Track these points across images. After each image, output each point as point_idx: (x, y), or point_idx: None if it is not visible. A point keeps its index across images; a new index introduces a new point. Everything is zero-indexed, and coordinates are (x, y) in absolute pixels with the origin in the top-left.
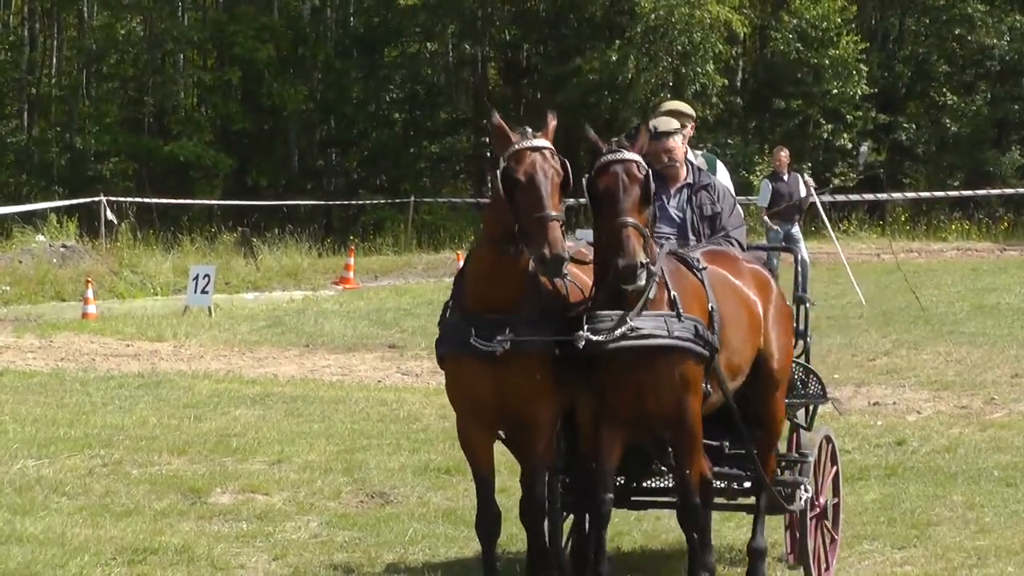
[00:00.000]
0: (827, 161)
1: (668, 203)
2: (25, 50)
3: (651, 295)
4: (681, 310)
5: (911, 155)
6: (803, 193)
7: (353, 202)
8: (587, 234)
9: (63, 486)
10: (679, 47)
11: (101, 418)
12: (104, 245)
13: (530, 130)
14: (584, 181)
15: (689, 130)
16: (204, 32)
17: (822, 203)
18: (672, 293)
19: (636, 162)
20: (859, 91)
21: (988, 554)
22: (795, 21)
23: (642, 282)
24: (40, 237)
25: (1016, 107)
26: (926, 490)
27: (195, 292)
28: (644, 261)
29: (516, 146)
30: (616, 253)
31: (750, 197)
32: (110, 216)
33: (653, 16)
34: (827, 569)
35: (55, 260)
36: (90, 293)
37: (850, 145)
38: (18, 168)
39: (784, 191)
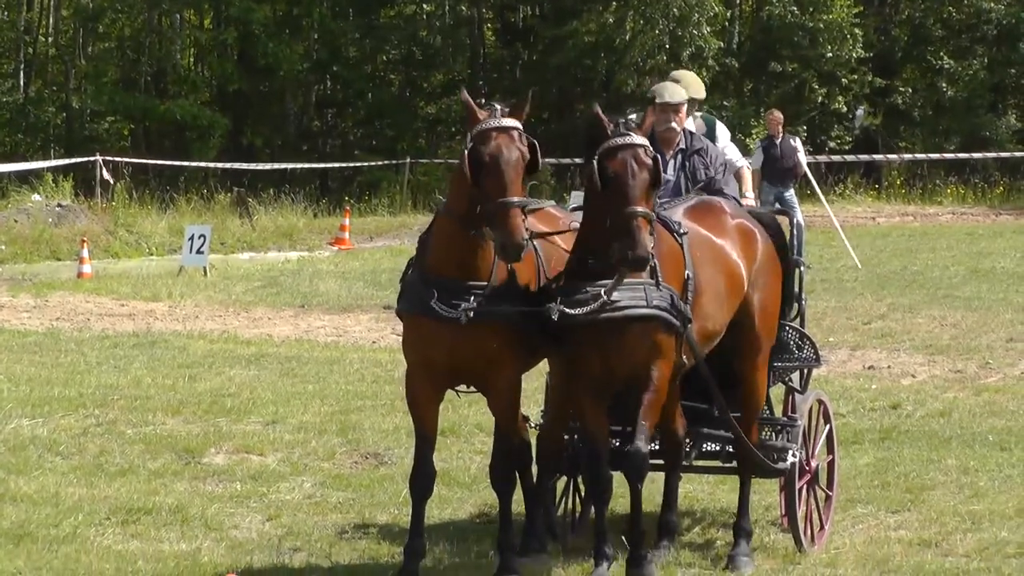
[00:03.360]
0: (823, 124)
1: (666, 170)
2: (22, 9)
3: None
4: (660, 278)
5: (907, 119)
6: (799, 157)
7: (349, 164)
8: (580, 196)
9: (57, 445)
10: (675, 9)
11: (96, 378)
12: (100, 205)
13: (499, 108)
14: (595, 163)
15: (683, 113)
16: None
17: (814, 166)
18: (653, 260)
19: (644, 147)
20: (855, 55)
21: (982, 518)
22: None
23: (646, 269)
24: (36, 196)
25: (1013, 71)
26: (920, 454)
27: (190, 252)
28: (652, 251)
29: (483, 125)
30: (625, 244)
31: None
32: (106, 176)
33: None
34: (822, 528)
35: (51, 219)
36: (85, 253)
37: (845, 109)
38: (14, 127)
39: (777, 155)
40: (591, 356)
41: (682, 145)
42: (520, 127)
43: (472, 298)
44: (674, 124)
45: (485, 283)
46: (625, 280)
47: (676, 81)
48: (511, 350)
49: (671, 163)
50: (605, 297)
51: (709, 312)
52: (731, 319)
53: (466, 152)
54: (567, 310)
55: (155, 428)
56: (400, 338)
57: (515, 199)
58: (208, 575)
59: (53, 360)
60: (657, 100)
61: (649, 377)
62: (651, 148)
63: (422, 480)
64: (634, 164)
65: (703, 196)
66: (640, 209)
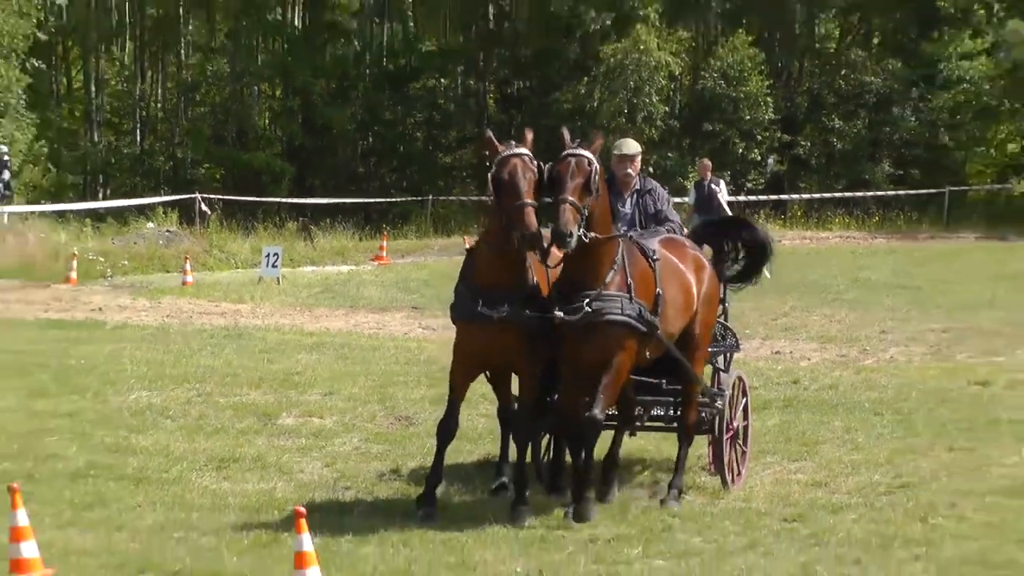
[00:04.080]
0: (742, 170)
1: (624, 203)
2: (137, 82)
3: (608, 279)
4: (633, 294)
5: (806, 166)
6: (723, 194)
7: (385, 199)
8: None
9: (167, 411)
10: (632, 83)
11: (196, 360)
12: (198, 230)
13: (514, 142)
14: (547, 168)
15: (637, 163)
16: (273, 69)
17: (734, 202)
18: (629, 279)
19: (588, 158)
20: (767, 117)
21: (860, 465)
22: (718, 64)
23: (572, 247)
24: (150, 224)
25: (887, 129)
26: (814, 417)
27: (267, 266)
28: (574, 231)
29: (502, 154)
30: (554, 221)
31: (684, 198)
32: (203, 208)
33: (612, 60)
34: (739, 474)
35: (161, 242)
36: (188, 267)
37: (760, 158)
38: (133, 172)
39: (705, 194)
40: (578, 346)
41: (637, 187)
42: (529, 152)
43: (505, 304)
44: (630, 170)
45: (514, 292)
46: (606, 295)
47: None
48: (529, 342)
49: (628, 200)
50: (587, 309)
51: (672, 319)
52: (683, 325)
53: (490, 176)
54: (564, 316)
55: (241, 398)
56: (425, 331)
57: (528, 201)
58: (280, 508)
59: (164, 347)
60: (616, 152)
61: (611, 364)
62: (595, 160)
63: (447, 429)
64: (575, 167)
65: (673, 233)
66: (570, 198)
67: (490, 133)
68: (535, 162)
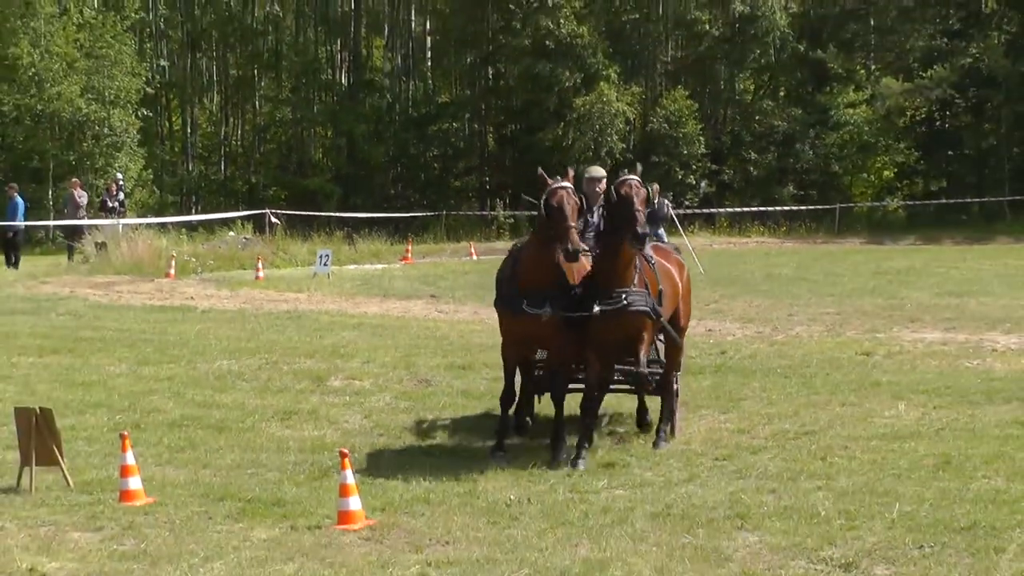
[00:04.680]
0: (681, 191)
1: (593, 215)
2: (222, 125)
3: (635, 280)
4: (648, 292)
5: (730, 188)
6: (667, 210)
7: (410, 214)
8: None
9: (243, 375)
10: (597, 126)
11: (266, 336)
12: (268, 237)
13: (560, 177)
14: (542, 199)
15: (603, 184)
16: (325, 116)
17: (675, 216)
18: (645, 280)
19: (571, 188)
20: (699, 151)
21: (774, 417)
22: (663, 111)
23: (581, 260)
24: (231, 233)
25: (791, 160)
26: (738, 379)
27: (320, 265)
28: (583, 248)
29: (552, 186)
30: (565, 243)
31: None
32: (272, 220)
33: (582, 109)
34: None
35: (239, 246)
36: (260, 265)
37: (694, 182)
38: (218, 193)
39: (659, 208)
40: (610, 333)
41: (602, 202)
42: (571, 186)
43: (546, 303)
44: (598, 189)
45: (554, 291)
46: (633, 291)
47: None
48: (563, 329)
49: (596, 212)
50: (624, 301)
51: (667, 308)
52: (672, 311)
53: (542, 202)
54: (604, 308)
55: (299, 365)
56: (440, 314)
57: (572, 223)
58: (329, 449)
59: (240, 326)
60: (587, 176)
61: (642, 339)
62: (573, 189)
63: (508, 396)
64: (569, 196)
65: (661, 242)
66: (573, 224)
67: (541, 170)
68: (576, 194)
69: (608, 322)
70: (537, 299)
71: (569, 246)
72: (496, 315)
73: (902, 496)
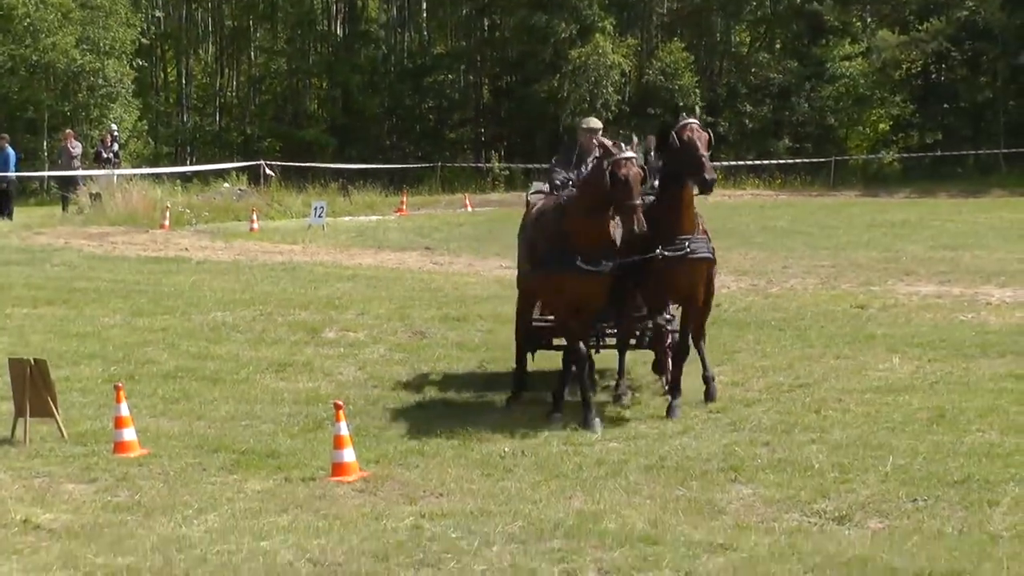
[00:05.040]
0: None
1: (587, 166)
2: (217, 76)
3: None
4: (708, 238)
5: (726, 141)
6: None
7: (406, 165)
8: (540, 185)
9: (238, 327)
10: (592, 78)
11: (260, 288)
12: (262, 189)
13: (623, 144)
14: (607, 167)
15: (600, 134)
16: (321, 67)
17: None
18: (705, 228)
19: (636, 159)
20: (696, 103)
21: (768, 369)
22: (658, 64)
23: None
24: (226, 185)
25: (787, 113)
26: (732, 332)
27: (315, 216)
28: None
29: (619, 155)
30: (631, 222)
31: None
32: (267, 172)
33: (578, 60)
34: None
35: (234, 197)
36: (254, 217)
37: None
38: (214, 145)
39: (653, 164)
40: (670, 278)
41: (597, 153)
42: (635, 156)
43: (602, 261)
44: (594, 140)
45: (607, 250)
46: (696, 238)
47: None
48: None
49: (591, 163)
50: (688, 248)
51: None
52: None
53: (607, 171)
54: (667, 253)
55: (294, 316)
56: (435, 266)
57: (638, 201)
58: (323, 401)
59: (235, 278)
60: (583, 126)
61: (709, 287)
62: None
63: (578, 358)
64: (634, 170)
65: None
66: (639, 202)
67: (602, 137)
68: (639, 166)
69: (672, 268)
70: (592, 257)
71: (635, 227)
72: (517, 274)
73: (896, 449)
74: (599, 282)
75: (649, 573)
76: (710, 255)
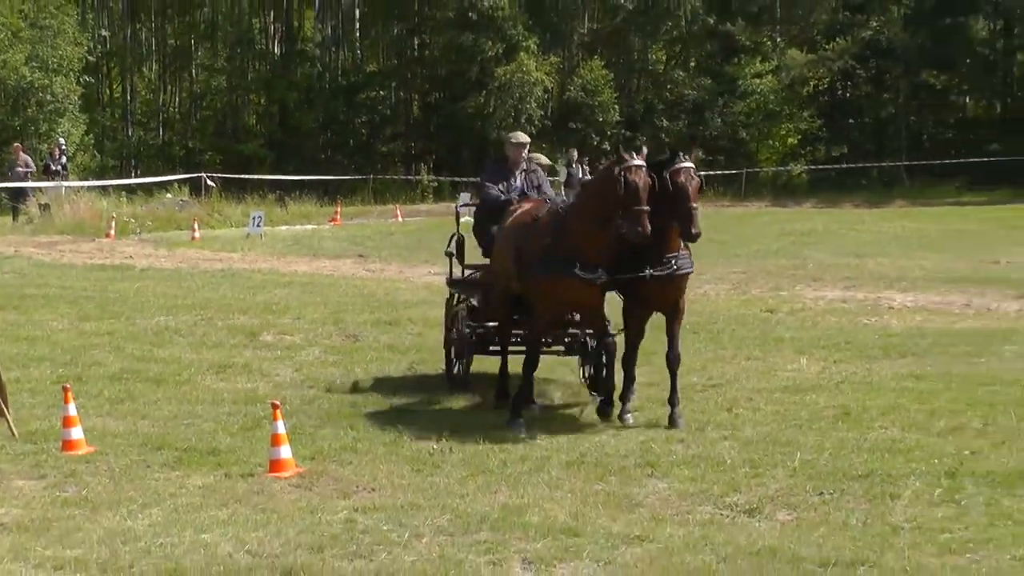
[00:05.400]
0: (596, 157)
1: (515, 179)
2: (160, 93)
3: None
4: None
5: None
6: (581, 174)
7: (340, 177)
8: (467, 197)
9: (180, 331)
10: (517, 94)
11: (201, 294)
12: (203, 200)
13: (635, 153)
14: (618, 173)
15: (527, 149)
16: (259, 84)
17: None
18: (683, 246)
19: (646, 167)
20: (614, 119)
21: (683, 371)
22: (579, 80)
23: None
24: (169, 196)
25: (700, 128)
26: (649, 336)
27: (253, 226)
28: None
29: (630, 163)
30: (636, 226)
31: (557, 176)
32: (208, 184)
33: (503, 78)
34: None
35: (177, 208)
36: (195, 226)
37: (609, 147)
38: (156, 158)
39: (575, 173)
40: (658, 292)
41: (524, 167)
42: (644, 164)
43: (599, 270)
44: (522, 154)
45: (603, 260)
46: (681, 255)
47: (520, 137)
48: (602, 294)
49: (518, 176)
50: (675, 266)
51: None
52: None
53: (619, 176)
54: (654, 273)
55: (233, 321)
56: (367, 272)
57: (645, 207)
58: (261, 400)
59: (177, 284)
60: (512, 141)
61: (682, 300)
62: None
63: (535, 361)
64: (643, 177)
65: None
66: (646, 208)
67: (617, 143)
68: (648, 172)
69: (661, 284)
70: (590, 264)
71: (640, 229)
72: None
73: (803, 445)
74: (592, 290)
75: (570, 563)
76: (691, 268)
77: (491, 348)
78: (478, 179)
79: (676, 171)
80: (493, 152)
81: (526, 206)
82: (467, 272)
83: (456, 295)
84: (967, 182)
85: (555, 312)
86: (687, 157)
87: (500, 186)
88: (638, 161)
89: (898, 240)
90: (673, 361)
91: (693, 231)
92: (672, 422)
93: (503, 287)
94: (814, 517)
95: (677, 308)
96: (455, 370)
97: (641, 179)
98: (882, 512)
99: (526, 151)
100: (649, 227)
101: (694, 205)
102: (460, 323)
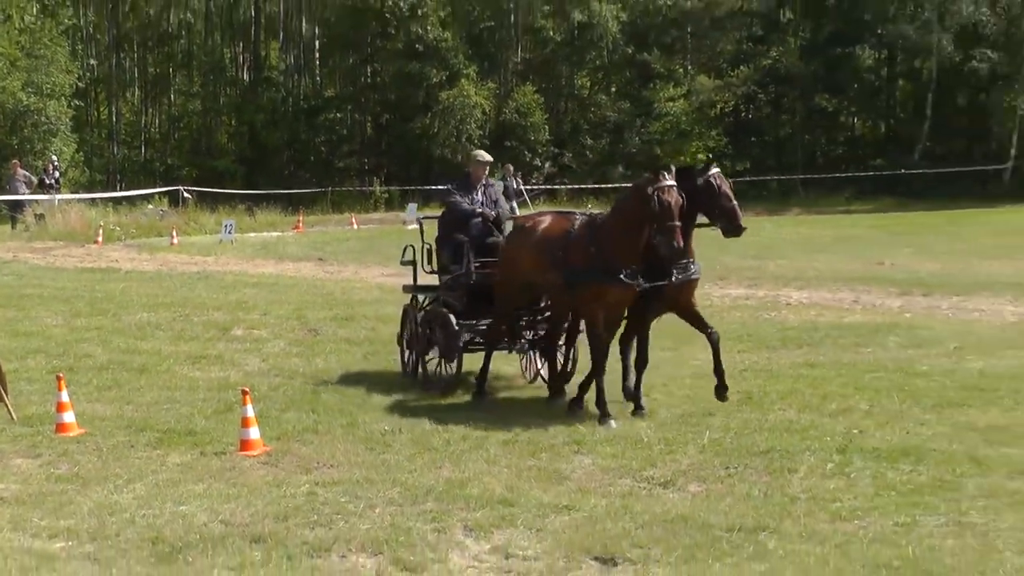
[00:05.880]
0: (529, 171)
1: (476, 192)
2: (143, 115)
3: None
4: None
5: (570, 170)
6: (517, 186)
7: (302, 190)
8: (413, 207)
9: (160, 326)
10: (458, 116)
11: (179, 293)
12: (181, 210)
13: (666, 174)
14: (652, 192)
15: (487, 167)
16: (230, 107)
17: (524, 191)
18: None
19: (676, 186)
20: (545, 137)
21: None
22: (514, 104)
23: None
24: (150, 206)
25: (621, 146)
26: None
27: (225, 233)
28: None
29: (663, 183)
30: (671, 240)
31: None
32: (185, 196)
33: (446, 102)
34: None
35: (158, 216)
36: (174, 233)
37: (540, 164)
38: (139, 173)
39: (510, 184)
40: (677, 293)
41: (484, 182)
42: (675, 183)
43: (638, 277)
44: (483, 171)
45: (638, 267)
46: (693, 262)
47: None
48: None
49: (479, 190)
50: (694, 270)
51: None
52: None
53: (654, 195)
54: (680, 277)
55: (208, 317)
56: (326, 274)
57: (677, 223)
58: (233, 387)
59: (158, 284)
60: (477, 159)
61: (693, 296)
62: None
63: (603, 361)
64: (676, 195)
65: (515, 213)
66: (678, 223)
67: (655, 167)
68: (680, 192)
69: (679, 287)
70: (631, 272)
71: (675, 243)
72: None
73: (711, 426)
74: (632, 293)
75: (506, 530)
76: (698, 275)
77: (472, 345)
78: (448, 190)
79: (660, 189)
80: (437, 167)
81: (547, 220)
82: (419, 294)
83: (413, 298)
84: (855, 193)
85: (607, 315)
86: (669, 175)
87: (467, 199)
88: (670, 181)
89: (794, 244)
90: (715, 342)
91: (740, 224)
92: (720, 393)
93: (514, 291)
94: (721, 489)
95: (692, 307)
96: (411, 365)
97: (673, 198)
98: (781, 484)
99: (486, 168)
100: (682, 241)
101: (734, 203)
102: (412, 324)
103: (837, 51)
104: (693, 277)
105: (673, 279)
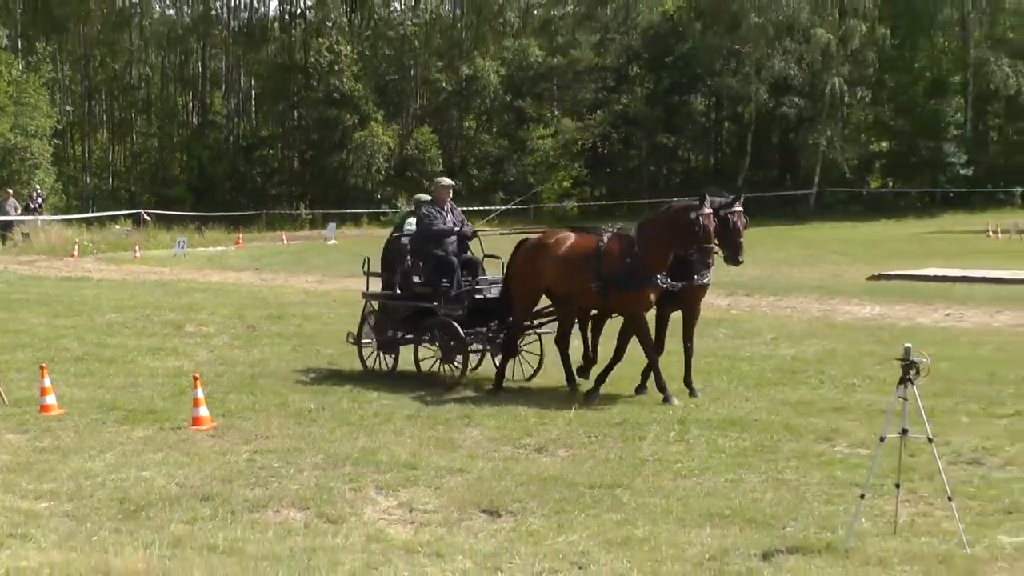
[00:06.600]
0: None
1: (447, 214)
2: (110, 151)
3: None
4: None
5: (459, 195)
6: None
7: (241, 212)
8: (332, 227)
9: (125, 324)
10: (369, 152)
11: (140, 297)
12: (143, 229)
13: (707, 201)
14: (696, 217)
15: (451, 191)
16: (182, 145)
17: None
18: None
19: (711, 213)
20: (439, 169)
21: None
22: (413, 141)
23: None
24: (117, 227)
25: (501, 176)
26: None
27: (179, 248)
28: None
29: (704, 209)
30: (707, 258)
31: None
32: (145, 218)
33: (358, 140)
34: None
35: (123, 235)
36: (137, 248)
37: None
38: (108, 199)
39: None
40: (695, 295)
41: (450, 204)
42: (712, 211)
43: (668, 278)
44: (449, 193)
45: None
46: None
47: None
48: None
49: (449, 211)
50: (709, 274)
51: None
52: None
53: (697, 220)
54: (702, 281)
55: (164, 316)
56: (263, 281)
57: (713, 245)
58: (186, 375)
59: (122, 290)
60: (442, 184)
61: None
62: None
63: (657, 350)
64: (711, 222)
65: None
66: (714, 245)
67: (704, 197)
68: (714, 217)
69: (695, 290)
70: (664, 277)
71: (710, 261)
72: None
73: (577, 402)
74: (659, 293)
75: (410, 488)
76: (710, 280)
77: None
78: (423, 212)
79: (732, 212)
80: (351, 194)
81: (571, 238)
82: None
83: (367, 304)
84: None
85: (644, 310)
86: (740, 203)
87: (442, 219)
88: (708, 209)
89: None
90: (688, 351)
91: (739, 258)
92: (692, 392)
93: (534, 302)
94: (584, 453)
95: (696, 308)
96: (376, 364)
97: (711, 223)
98: (633, 449)
99: (450, 192)
100: (714, 260)
101: (742, 240)
102: (367, 327)
103: (675, 99)
104: (707, 281)
105: (697, 281)
